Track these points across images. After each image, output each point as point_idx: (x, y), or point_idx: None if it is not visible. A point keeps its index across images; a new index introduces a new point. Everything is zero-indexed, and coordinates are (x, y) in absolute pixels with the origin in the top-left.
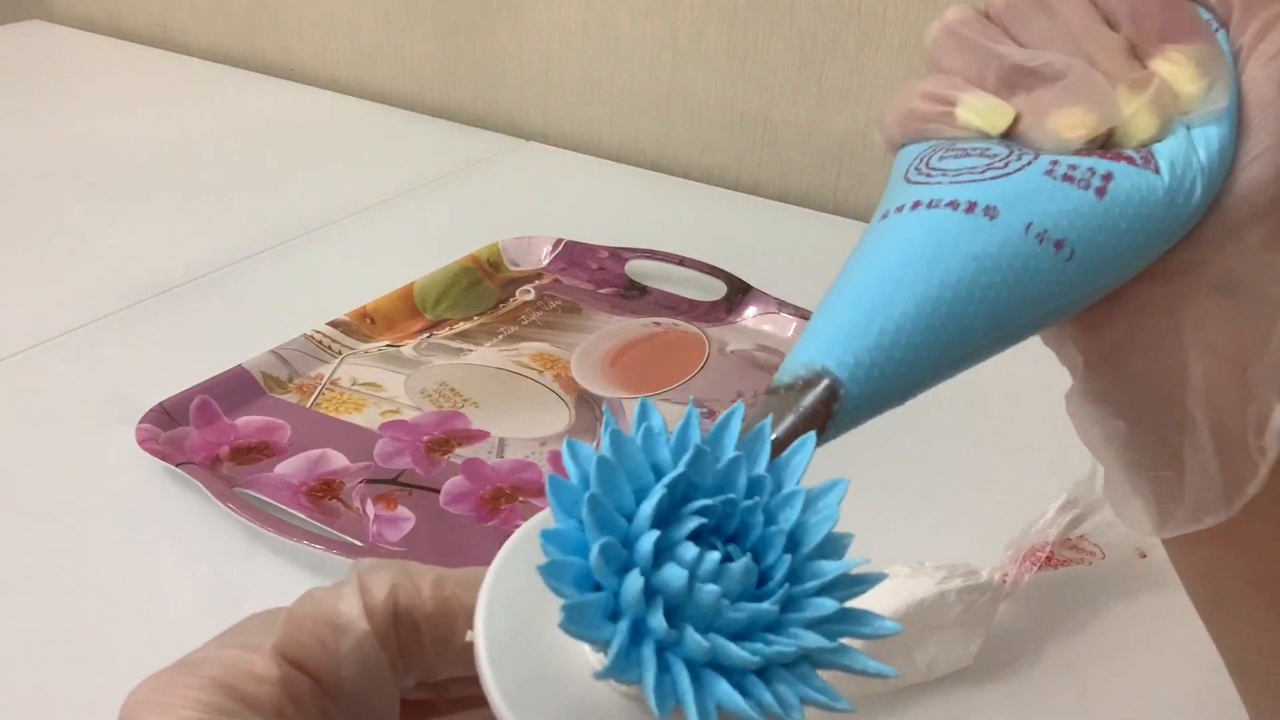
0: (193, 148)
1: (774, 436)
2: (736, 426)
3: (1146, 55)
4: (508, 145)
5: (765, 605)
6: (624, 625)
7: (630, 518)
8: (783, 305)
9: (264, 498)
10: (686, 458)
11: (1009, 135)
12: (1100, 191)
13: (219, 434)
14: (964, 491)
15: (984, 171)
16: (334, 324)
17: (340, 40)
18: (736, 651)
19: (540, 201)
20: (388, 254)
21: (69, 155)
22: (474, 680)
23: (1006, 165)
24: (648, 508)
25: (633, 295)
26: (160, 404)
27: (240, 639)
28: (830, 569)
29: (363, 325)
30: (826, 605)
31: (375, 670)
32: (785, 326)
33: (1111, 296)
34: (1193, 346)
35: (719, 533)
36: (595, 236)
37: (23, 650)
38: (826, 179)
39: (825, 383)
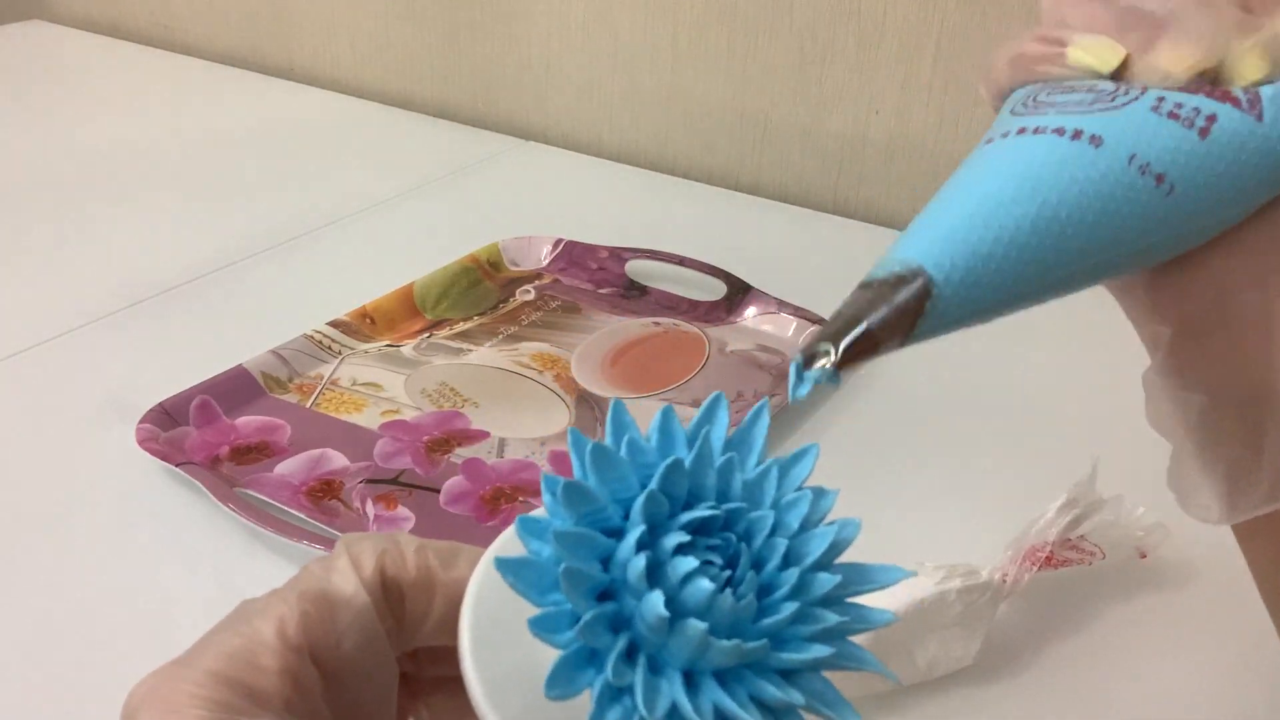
0: (192, 148)
1: (865, 326)
2: (724, 422)
3: (1262, 8)
4: (508, 145)
5: (753, 645)
6: (574, 645)
7: (622, 518)
8: (783, 305)
9: (264, 498)
10: (662, 470)
11: (1119, 76)
12: (1203, 132)
13: (219, 434)
14: (964, 491)
15: (1091, 105)
16: (334, 324)
17: (340, 40)
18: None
19: (540, 201)
20: (388, 254)
21: (69, 155)
22: (450, 656)
23: (1113, 99)
24: (631, 539)
25: (633, 295)
26: (160, 404)
27: (238, 628)
28: (828, 581)
29: (363, 325)
30: (827, 618)
31: (375, 643)
32: (785, 326)
33: (1201, 267)
34: None
35: (718, 534)
36: (595, 236)
37: (23, 650)
38: (826, 179)
39: (920, 280)
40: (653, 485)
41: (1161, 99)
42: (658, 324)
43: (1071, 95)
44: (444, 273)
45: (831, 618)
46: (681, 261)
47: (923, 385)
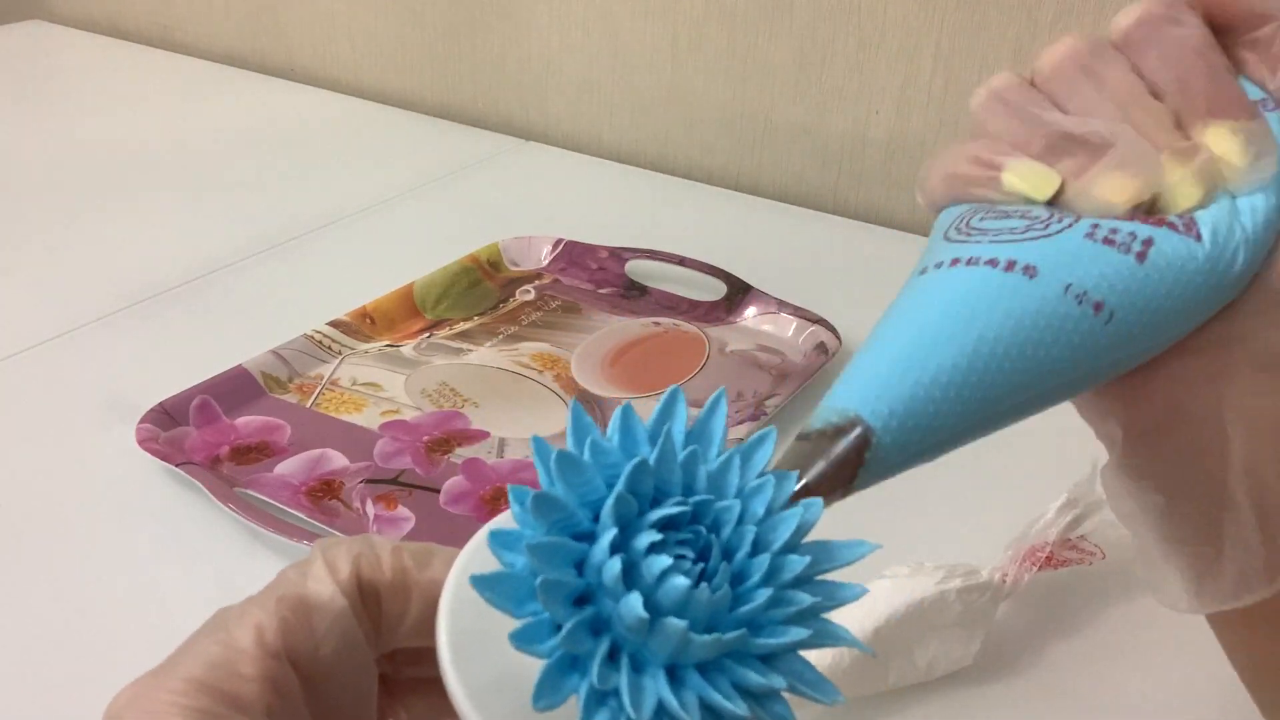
0: (193, 148)
1: (804, 483)
2: (682, 416)
3: (1192, 127)
4: (508, 145)
5: (732, 635)
6: (557, 654)
7: (589, 522)
8: (783, 305)
9: (264, 498)
10: (628, 471)
11: (1053, 202)
12: (1140, 256)
13: (219, 434)
14: (964, 491)
15: (1025, 232)
16: (334, 324)
17: (340, 40)
18: (674, 702)
19: (540, 201)
20: (388, 254)
21: (69, 155)
22: (427, 657)
23: (1047, 227)
24: (604, 543)
25: (633, 295)
26: (160, 404)
27: (217, 636)
28: (798, 563)
29: (363, 325)
30: (801, 599)
31: (354, 646)
32: (785, 326)
33: (1151, 369)
34: (1234, 421)
35: (688, 528)
36: (595, 236)
37: (22, 650)
38: (826, 179)
39: (858, 430)
40: (620, 487)
41: (1096, 225)
42: (658, 324)
43: (1005, 221)
44: (444, 273)
45: (805, 598)
46: (681, 261)
47: None
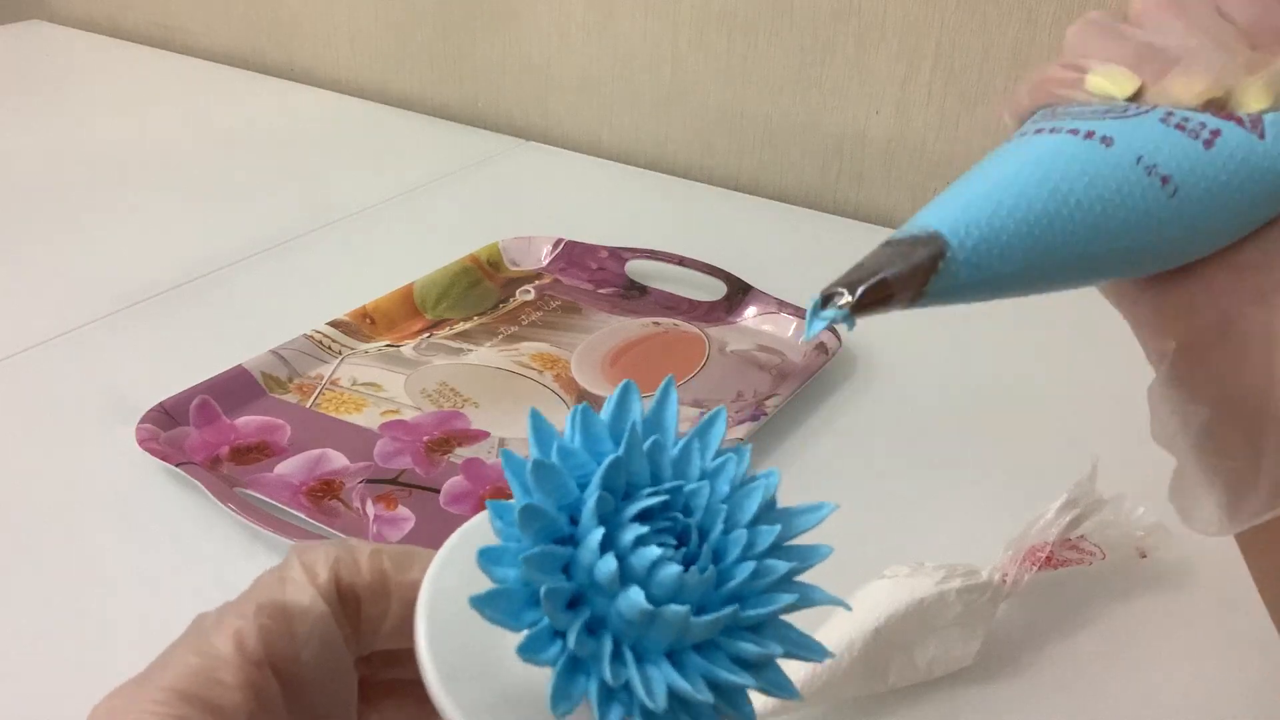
0: (193, 148)
1: (882, 277)
2: (639, 408)
3: (1266, 50)
4: (508, 145)
5: (725, 612)
6: (563, 658)
7: (572, 508)
8: (783, 305)
9: (264, 498)
10: (604, 469)
11: (1134, 101)
12: (1208, 143)
13: (219, 434)
14: (964, 491)
15: (1105, 114)
16: (334, 324)
17: (340, 40)
18: (682, 681)
19: (540, 201)
20: (388, 254)
21: (69, 155)
22: (405, 659)
23: (1126, 111)
24: (593, 543)
25: (633, 295)
26: (160, 404)
27: (196, 645)
28: (770, 533)
29: (363, 325)
30: (779, 567)
31: (334, 650)
32: (785, 326)
33: (1205, 283)
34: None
35: (663, 516)
36: (595, 236)
37: (22, 649)
38: (826, 179)
39: (937, 243)
40: (597, 487)
41: (1170, 113)
42: (658, 324)
43: (1087, 108)
44: (444, 273)
45: (782, 565)
46: (681, 261)
47: (923, 385)
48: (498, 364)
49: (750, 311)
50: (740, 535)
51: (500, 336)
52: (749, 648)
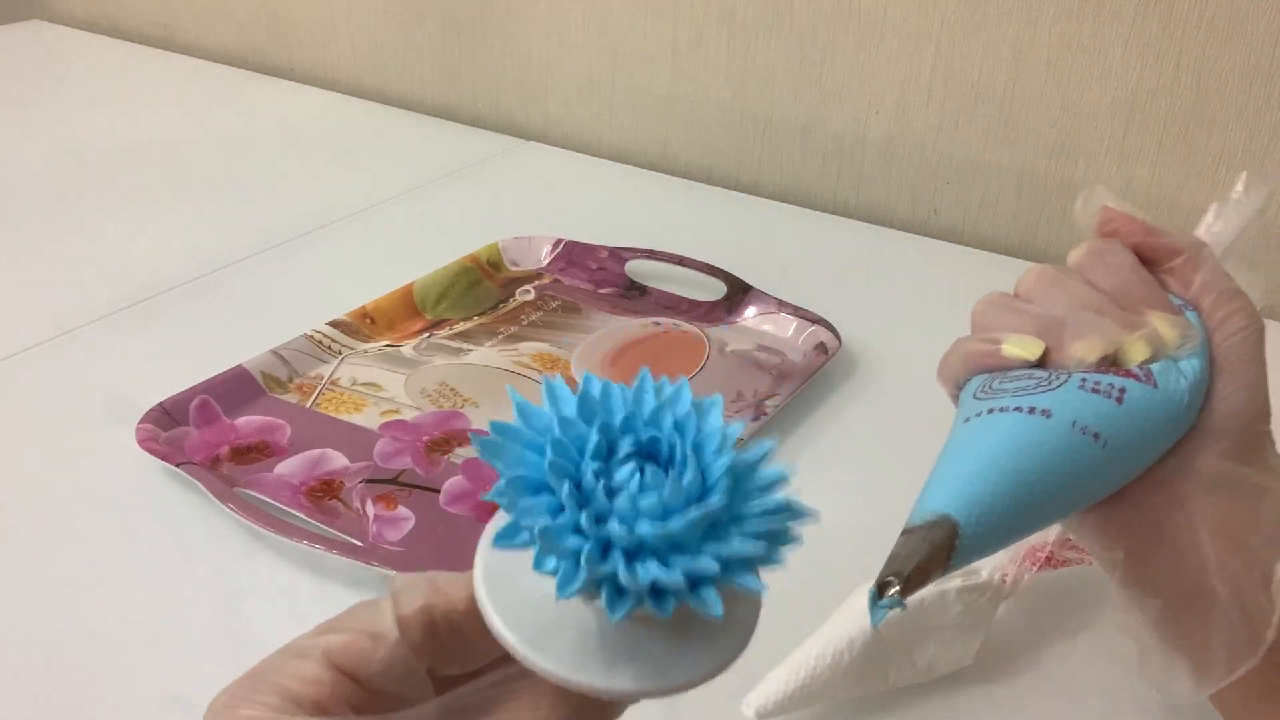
0: (193, 148)
1: (917, 564)
2: (650, 388)
3: (1133, 311)
4: (508, 145)
5: (715, 498)
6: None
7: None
8: (783, 305)
9: (264, 498)
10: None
11: (1041, 363)
12: (1119, 400)
13: (219, 434)
14: None
15: (1035, 388)
16: (334, 324)
17: (340, 40)
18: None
19: (540, 201)
20: (388, 254)
21: (69, 155)
22: (504, 659)
23: (1050, 383)
24: (593, 436)
25: (633, 295)
26: (160, 404)
27: (295, 647)
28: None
29: (363, 325)
30: (761, 477)
31: (406, 672)
32: (785, 326)
33: (1136, 503)
34: (1203, 531)
35: (653, 460)
36: (595, 236)
37: (22, 649)
38: (826, 179)
39: (949, 525)
40: (597, 429)
41: (1084, 379)
42: (658, 324)
43: (1018, 382)
44: (444, 273)
45: (764, 476)
46: (681, 261)
47: (923, 386)
48: (498, 364)
49: (750, 311)
50: (723, 460)
51: (500, 336)
52: (738, 544)
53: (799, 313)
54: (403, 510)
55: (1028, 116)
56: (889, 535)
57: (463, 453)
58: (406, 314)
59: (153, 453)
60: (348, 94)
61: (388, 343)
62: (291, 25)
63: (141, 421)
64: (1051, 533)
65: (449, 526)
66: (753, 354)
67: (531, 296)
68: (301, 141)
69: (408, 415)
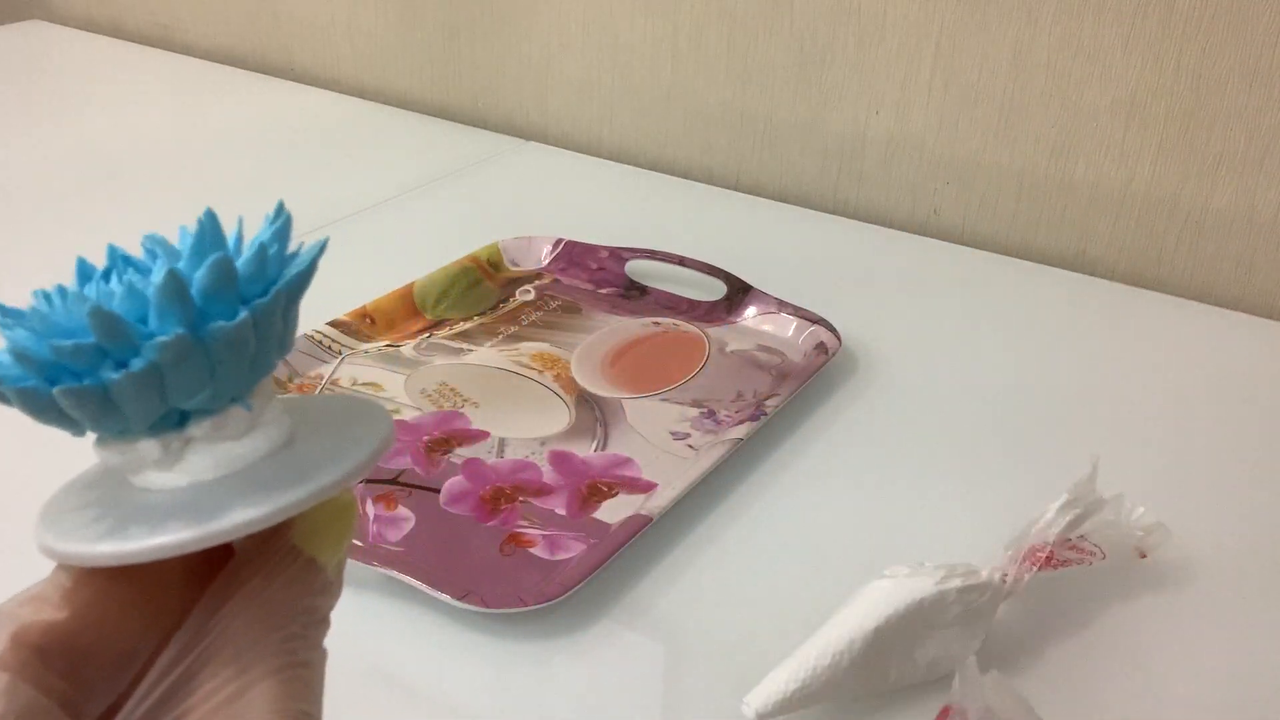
0: (193, 148)
1: None
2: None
3: None
4: (508, 145)
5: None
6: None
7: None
8: (783, 305)
9: None
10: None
11: None
12: None
13: None
14: (964, 492)
15: None
16: (334, 324)
17: (340, 40)
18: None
19: (540, 201)
20: (388, 254)
21: (69, 155)
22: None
23: None
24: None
25: (633, 295)
26: None
27: None
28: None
29: (363, 325)
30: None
31: (40, 711)
32: (785, 326)
33: None
34: None
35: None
36: (595, 236)
37: None
38: (826, 179)
39: None
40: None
41: None
42: (658, 324)
43: None
44: (444, 273)
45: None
46: (681, 261)
47: (923, 386)
48: (498, 364)
49: (750, 311)
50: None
51: (500, 336)
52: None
53: (799, 313)
54: (403, 510)
55: (1028, 116)
56: (889, 535)
57: (463, 453)
58: (406, 314)
59: None
60: (348, 94)
61: (388, 343)
62: (291, 25)
63: None
64: (1052, 532)
65: (449, 526)
66: (753, 354)
67: (531, 296)
68: (301, 141)
69: (408, 415)
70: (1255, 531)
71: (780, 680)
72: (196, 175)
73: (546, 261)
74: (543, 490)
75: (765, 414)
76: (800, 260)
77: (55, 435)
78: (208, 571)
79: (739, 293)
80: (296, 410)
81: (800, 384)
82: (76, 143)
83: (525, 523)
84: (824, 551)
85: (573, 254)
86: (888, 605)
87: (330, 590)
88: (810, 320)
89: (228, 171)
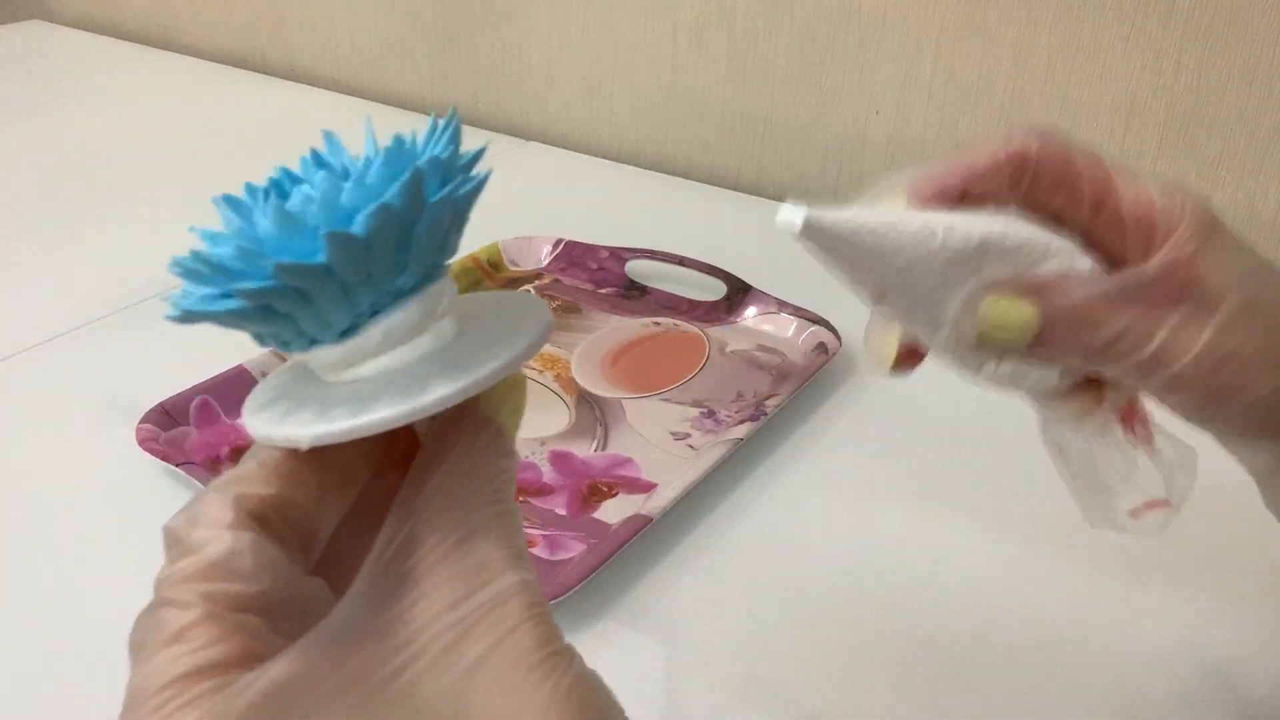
0: (193, 148)
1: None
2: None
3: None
4: (508, 145)
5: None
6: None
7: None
8: (783, 305)
9: None
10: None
11: None
12: None
13: (219, 434)
14: (964, 491)
15: None
16: None
17: (340, 40)
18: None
19: (540, 201)
20: None
21: (69, 155)
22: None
23: None
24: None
25: (633, 295)
26: (160, 404)
27: (171, 598)
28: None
29: None
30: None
31: (286, 574)
32: (785, 326)
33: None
34: None
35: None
36: (595, 236)
37: (23, 650)
38: (826, 179)
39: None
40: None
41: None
42: (658, 324)
43: None
44: None
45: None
46: (681, 261)
47: (923, 385)
48: None
49: (750, 311)
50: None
51: None
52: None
53: (799, 313)
54: None
55: (1028, 116)
56: (889, 535)
57: None
58: None
59: (153, 453)
60: (348, 94)
61: None
62: (291, 25)
63: (141, 421)
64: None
65: None
66: (753, 354)
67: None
68: (302, 141)
69: None
70: None
71: (846, 213)
72: (196, 175)
73: (546, 261)
74: (543, 490)
75: (765, 414)
76: (800, 260)
77: (56, 435)
78: (383, 459)
79: (739, 293)
80: (458, 306)
81: (800, 384)
82: (76, 143)
83: (525, 523)
84: (824, 551)
85: (573, 254)
86: (1010, 231)
87: (514, 453)
88: (810, 320)
89: (228, 171)
